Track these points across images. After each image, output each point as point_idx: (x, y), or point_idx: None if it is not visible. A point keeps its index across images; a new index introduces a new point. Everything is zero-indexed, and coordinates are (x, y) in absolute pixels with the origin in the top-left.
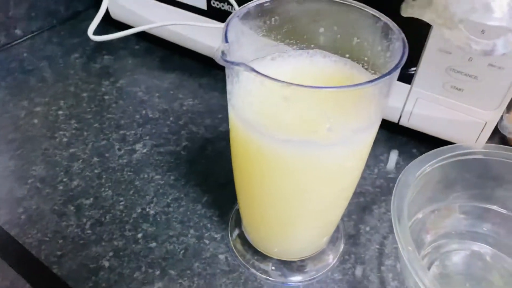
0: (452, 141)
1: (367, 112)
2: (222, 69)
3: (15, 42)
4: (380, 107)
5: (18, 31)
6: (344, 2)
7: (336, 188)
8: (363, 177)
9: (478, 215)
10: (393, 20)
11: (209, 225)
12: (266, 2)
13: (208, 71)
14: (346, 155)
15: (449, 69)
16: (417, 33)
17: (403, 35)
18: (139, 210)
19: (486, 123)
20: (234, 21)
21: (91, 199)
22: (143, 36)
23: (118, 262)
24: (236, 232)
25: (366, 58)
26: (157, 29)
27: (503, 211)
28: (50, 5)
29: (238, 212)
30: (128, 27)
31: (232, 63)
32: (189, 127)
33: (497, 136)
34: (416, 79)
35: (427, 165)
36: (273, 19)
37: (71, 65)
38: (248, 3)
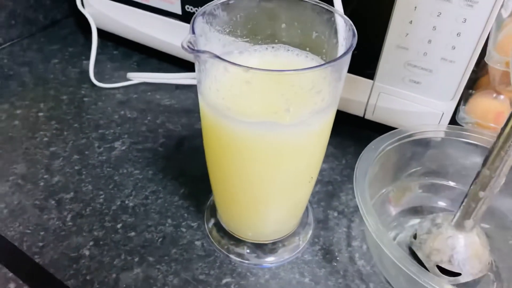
0: None
1: (321, 94)
2: None
3: None
4: (334, 90)
5: None
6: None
7: (300, 166)
8: (331, 168)
9: (434, 190)
10: (352, 18)
11: (186, 214)
12: (230, 0)
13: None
14: (305, 135)
15: (407, 64)
16: (376, 32)
17: (353, 27)
18: (119, 203)
19: (443, 113)
20: (200, 17)
21: (72, 193)
22: (120, 41)
23: (98, 250)
24: (212, 221)
25: (324, 51)
26: (135, 34)
27: (457, 186)
28: (29, 13)
29: (213, 203)
30: (106, 33)
31: (198, 51)
32: (166, 125)
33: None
34: (378, 75)
35: (386, 144)
36: (238, 16)
37: (51, 70)
38: (213, 1)
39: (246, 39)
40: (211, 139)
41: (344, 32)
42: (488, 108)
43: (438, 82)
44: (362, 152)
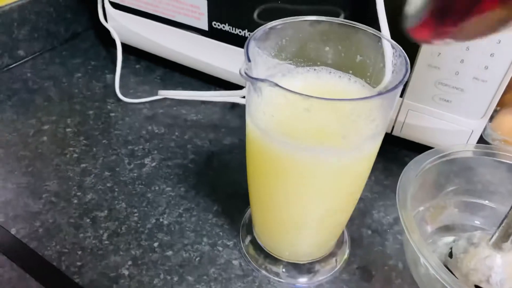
0: None
1: (376, 121)
2: (221, 85)
3: (18, 63)
4: (386, 117)
5: (21, 52)
6: (348, 23)
7: (346, 191)
8: None
9: (469, 209)
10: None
11: (221, 233)
12: (278, 24)
13: (208, 88)
14: (357, 161)
15: (437, 82)
16: (408, 50)
17: (404, 53)
18: (153, 221)
19: (472, 131)
20: (252, 42)
21: (106, 211)
22: (143, 55)
23: (137, 270)
24: (248, 238)
25: (368, 74)
26: (158, 49)
27: (492, 204)
28: (50, 26)
29: (248, 220)
30: (128, 47)
31: (257, 79)
32: (194, 141)
33: (482, 143)
34: (408, 92)
35: (426, 163)
36: (284, 39)
37: (75, 84)
38: (262, 26)
39: (289, 62)
40: (257, 160)
41: (393, 57)
42: None
43: (469, 100)
44: (402, 173)
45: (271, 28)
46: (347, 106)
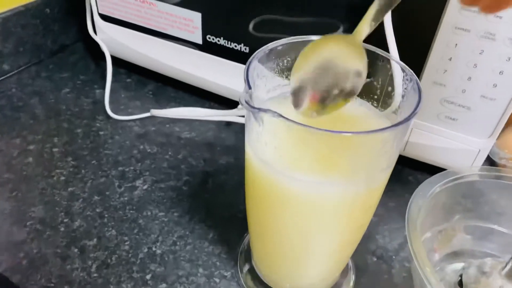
0: (447, 168)
1: (388, 153)
2: (216, 100)
3: (2, 78)
4: (399, 147)
5: (5, 66)
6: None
7: (355, 225)
8: None
9: (479, 234)
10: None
11: (218, 263)
12: (279, 45)
13: (203, 103)
14: (367, 194)
15: (443, 100)
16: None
17: (416, 77)
18: (146, 250)
19: (479, 151)
20: (251, 66)
21: (95, 239)
22: (134, 68)
23: None
24: (246, 267)
25: (375, 97)
26: (150, 62)
27: (503, 230)
28: (37, 39)
29: (247, 246)
30: (118, 60)
31: (259, 109)
32: (188, 160)
33: (487, 161)
34: None
35: (435, 187)
36: (285, 61)
37: (63, 100)
38: (262, 48)
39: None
40: (257, 190)
41: (403, 81)
42: None
43: (476, 119)
44: (411, 200)
45: (271, 50)
46: (359, 140)
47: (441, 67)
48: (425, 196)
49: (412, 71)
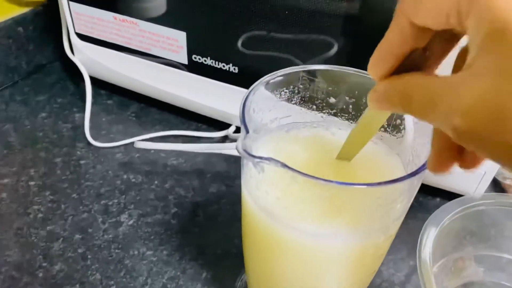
0: (452, 190)
1: (403, 202)
2: (203, 121)
3: None
4: (414, 194)
5: None
6: (358, 72)
7: (365, 274)
8: None
9: (490, 264)
10: None
11: None
12: (277, 76)
13: (189, 125)
14: (380, 243)
15: None
16: None
17: None
18: None
19: (485, 173)
20: (248, 103)
21: (77, 285)
22: (115, 89)
23: None
24: None
25: (382, 129)
26: (133, 83)
27: None
28: (9, 60)
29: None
30: (98, 80)
31: (261, 158)
32: (176, 190)
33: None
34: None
35: (448, 217)
36: (282, 92)
37: (39, 126)
38: (257, 82)
39: (289, 116)
40: (259, 242)
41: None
42: None
43: None
44: (422, 232)
45: (267, 83)
46: (373, 192)
47: None
48: (435, 229)
49: None
